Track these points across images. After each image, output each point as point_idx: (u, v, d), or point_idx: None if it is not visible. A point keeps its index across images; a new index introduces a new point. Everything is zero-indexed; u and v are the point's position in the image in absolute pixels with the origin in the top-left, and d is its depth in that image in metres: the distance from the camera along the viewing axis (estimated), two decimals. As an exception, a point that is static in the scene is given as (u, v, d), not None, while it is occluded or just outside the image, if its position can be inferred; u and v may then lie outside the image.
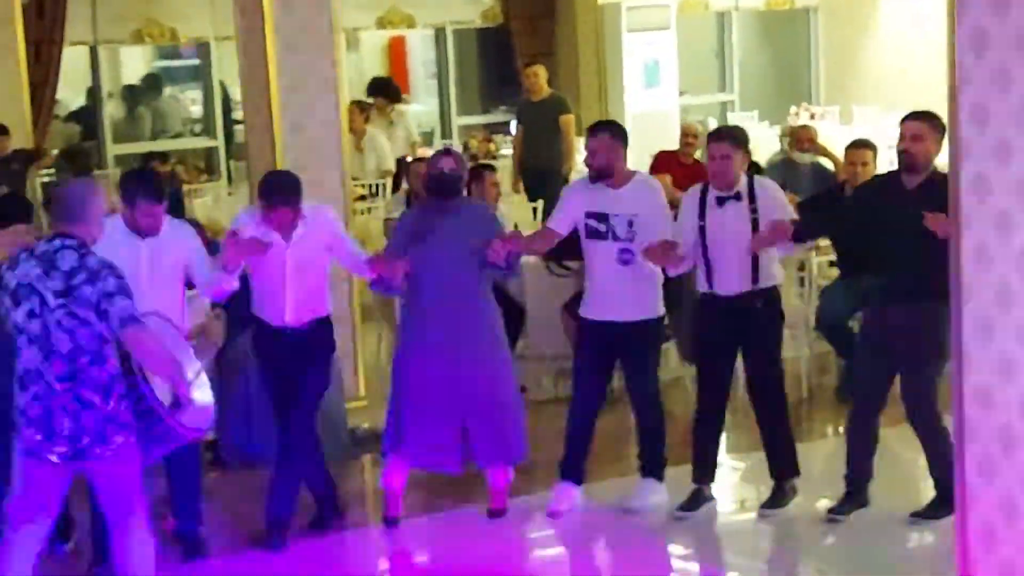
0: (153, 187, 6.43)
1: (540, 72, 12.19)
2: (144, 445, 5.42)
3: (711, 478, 7.13)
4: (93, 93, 15.58)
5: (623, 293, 6.92)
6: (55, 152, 13.65)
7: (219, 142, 15.79)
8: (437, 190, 6.92)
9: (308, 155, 9.02)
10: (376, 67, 17.37)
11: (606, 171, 6.90)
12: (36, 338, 5.28)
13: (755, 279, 6.83)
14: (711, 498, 7.12)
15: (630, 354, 7.07)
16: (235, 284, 6.53)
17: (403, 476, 6.99)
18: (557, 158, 12.10)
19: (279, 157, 9.02)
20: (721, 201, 6.85)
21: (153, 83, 17.24)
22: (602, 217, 6.88)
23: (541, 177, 12.00)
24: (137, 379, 5.33)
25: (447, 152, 7.21)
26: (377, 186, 12.92)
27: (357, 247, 7.16)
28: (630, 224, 6.83)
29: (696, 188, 7.05)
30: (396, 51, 17.89)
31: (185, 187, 13.46)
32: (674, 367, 9.08)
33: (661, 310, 7.09)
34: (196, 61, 17.45)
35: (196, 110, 17.17)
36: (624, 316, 6.92)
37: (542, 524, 7.10)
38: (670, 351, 9.05)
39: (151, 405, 5.34)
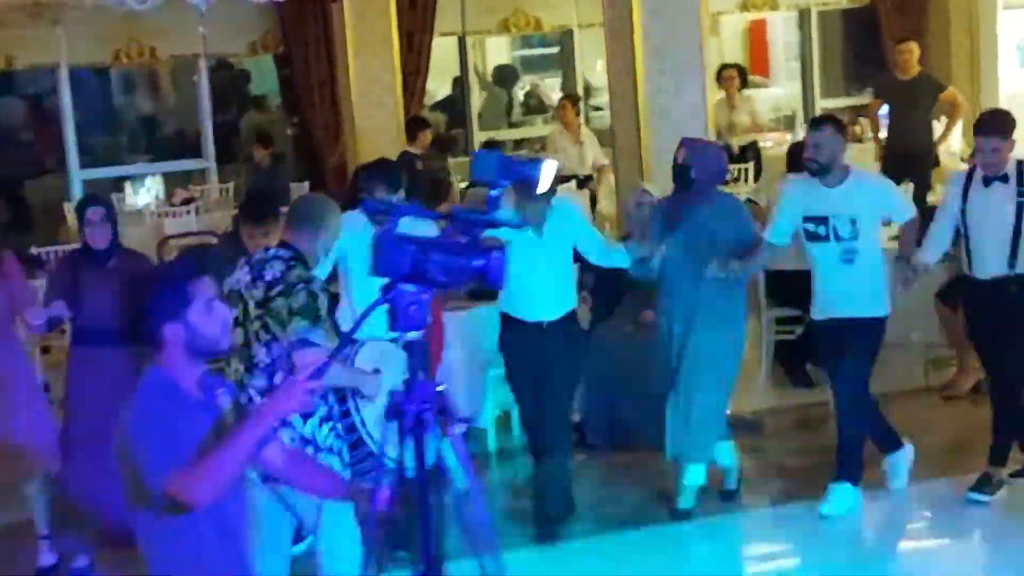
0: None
1: (914, 49, 11.79)
2: (353, 475, 5.11)
3: (1002, 463, 6.94)
4: (461, 82, 16.04)
5: (849, 291, 6.70)
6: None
7: (584, 126, 15.98)
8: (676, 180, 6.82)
9: (673, 139, 8.99)
10: (736, 51, 17.22)
11: (830, 166, 6.68)
12: (240, 349, 5.06)
13: (1011, 264, 6.69)
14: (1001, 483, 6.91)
15: (845, 351, 6.75)
16: None
17: None
18: (926, 138, 11.69)
19: (644, 141, 9.09)
20: (988, 181, 6.75)
21: (510, 72, 17.66)
22: (820, 220, 6.70)
23: (909, 159, 11.59)
24: (349, 407, 5.08)
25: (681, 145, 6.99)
26: (740, 170, 12.83)
27: (601, 237, 7.07)
28: (853, 223, 6.65)
29: (963, 172, 7.01)
30: (756, 34, 17.68)
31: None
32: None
33: (886, 309, 6.80)
34: (556, 49, 17.74)
35: (554, 97, 17.47)
36: (849, 313, 6.70)
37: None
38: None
39: (360, 436, 5.09)
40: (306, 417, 4.96)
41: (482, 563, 3.92)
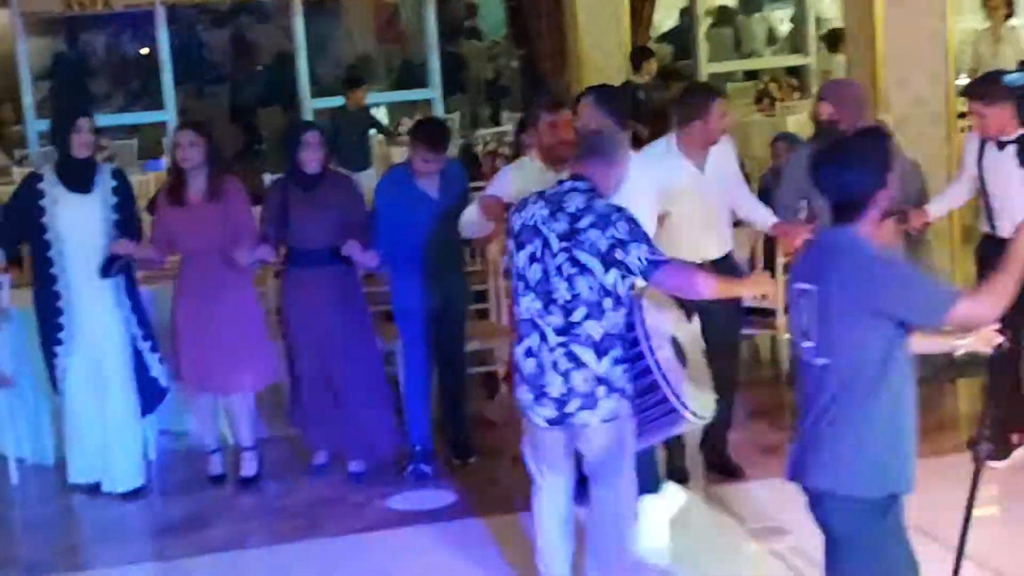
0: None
1: None
2: (640, 423, 4.96)
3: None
4: (689, 12, 15.80)
5: None
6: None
7: (811, 59, 15.64)
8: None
9: (911, 68, 8.75)
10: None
11: None
12: (536, 285, 4.87)
13: None
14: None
15: None
16: None
17: None
18: None
19: (879, 71, 8.81)
20: (1002, 145, 6.45)
21: (745, 2, 17.33)
22: None
23: None
24: (643, 350, 4.81)
25: None
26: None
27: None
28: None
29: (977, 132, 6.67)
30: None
31: (778, 105, 13.42)
32: None
33: None
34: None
35: (784, 28, 17.15)
36: None
37: None
38: None
39: (655, 380, 4.81)
40: (601, 355, 4.83)
41: None
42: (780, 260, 7.90)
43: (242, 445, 7.08)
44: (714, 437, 6.72)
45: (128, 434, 6.96)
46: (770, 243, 8.04)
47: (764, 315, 8.05)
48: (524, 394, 4.97)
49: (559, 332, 4.83)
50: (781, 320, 7.97)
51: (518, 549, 5.80)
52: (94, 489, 6.97)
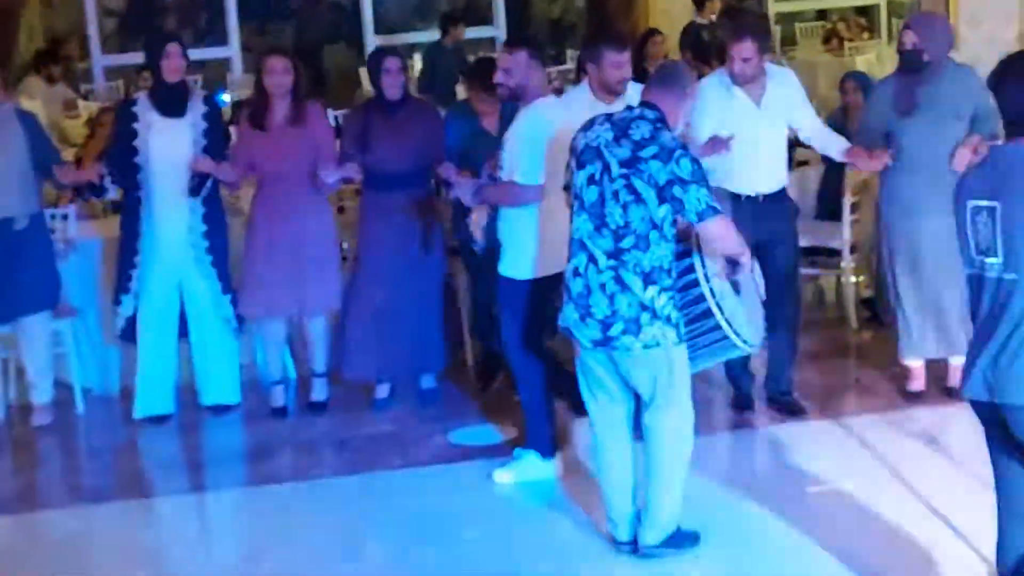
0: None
1: None
2: (692, 348, 5.00)
3: None
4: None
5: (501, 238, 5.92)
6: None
7: (880, 0, 15.44)
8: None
9: (984, 8, 8.62)
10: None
11: (518, 93, 5.84)
12: (590, 207, 4.90)
13: None
14: None
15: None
16: None
17: None
18: None
19: (953, 12, 8.68)
20: None
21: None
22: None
23: None
24: (698, 278, 4.89)
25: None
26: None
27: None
28: (499, 150, 5.90)
29: None
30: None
31: (848, 45, 13.25)
32: None
33: (521, 272, 5.80)
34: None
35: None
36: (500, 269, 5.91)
37: None
38: None
39: (708, 307, 4.89)
40: (648, 284, 4.83)
41: None
42: (847, 200, 7.81)
43: (315, 371, 7.12)
44: (778, 375, 6.70)
45: (220, 347, 7.06)
46: (835, 183, 7.95)
47: (830, 255, 7.97)
48: (570, 313, 4.99)
49: (609, 255, 4.86)
50: (847, 262, 7.89)
51: (579, 483, 5.83)
52: (159, 420, 7.05)
